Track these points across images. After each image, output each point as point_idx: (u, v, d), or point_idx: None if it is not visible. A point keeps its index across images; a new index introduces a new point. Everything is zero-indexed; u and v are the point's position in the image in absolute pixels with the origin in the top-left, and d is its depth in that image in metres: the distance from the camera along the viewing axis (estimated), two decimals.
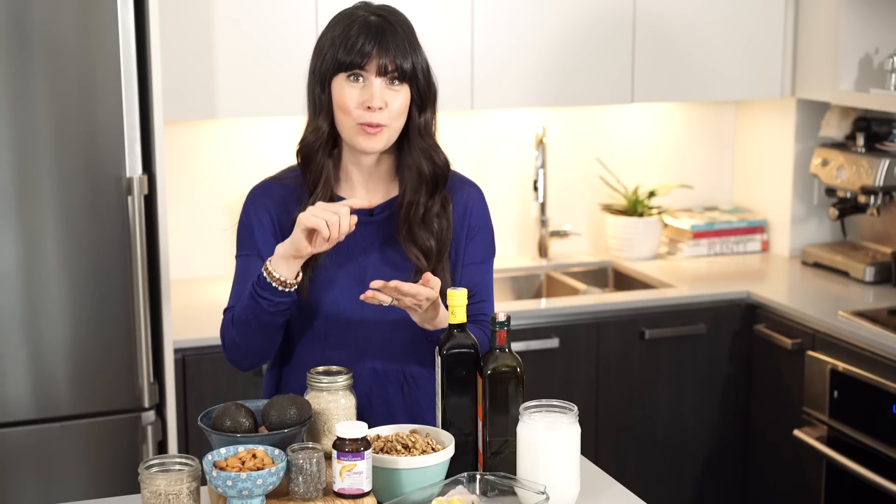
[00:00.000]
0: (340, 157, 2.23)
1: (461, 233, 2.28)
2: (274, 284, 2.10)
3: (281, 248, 2.10)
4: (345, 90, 2.15)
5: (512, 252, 4.04)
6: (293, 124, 3.70)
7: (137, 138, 2.93)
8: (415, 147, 2.21)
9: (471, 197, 2.30)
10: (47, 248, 2.89)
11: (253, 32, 3.36)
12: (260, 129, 3.71)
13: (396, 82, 2.15)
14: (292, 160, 2.28)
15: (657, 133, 4.18)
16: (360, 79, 2.15)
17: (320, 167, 2.21)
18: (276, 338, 2.21)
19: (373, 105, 2.12)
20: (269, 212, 2.24)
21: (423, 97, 2.20)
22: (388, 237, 2.24)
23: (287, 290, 2.11)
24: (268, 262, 2.11)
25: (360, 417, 2.15)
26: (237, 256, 2.28)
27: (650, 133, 4.17)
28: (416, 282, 2.09)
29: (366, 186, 2.25)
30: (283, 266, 2.09)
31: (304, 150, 2.23)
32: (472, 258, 2.29)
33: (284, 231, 2.22)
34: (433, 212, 2.23)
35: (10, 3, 2.78)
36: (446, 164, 2.24)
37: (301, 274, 2.13)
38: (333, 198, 2.21)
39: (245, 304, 2.16)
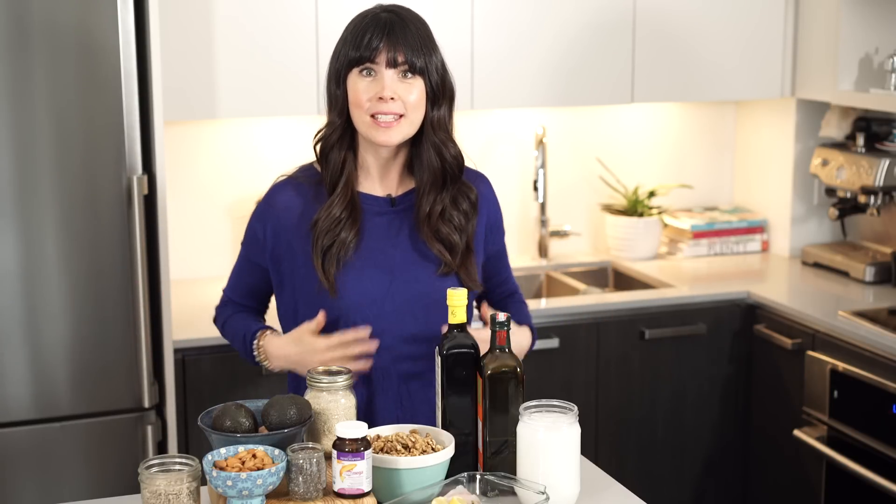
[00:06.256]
0: (357, 151, 2.26)
1: (482, 226, 2.35)
2: (258, 359, 2.31)
3: (285, 355, 2.26)
4: (357, 84, 2.19)
5: (512, 252, 3.98)
6: (294, 124, 3.71)
7: (137, 138, 2.93)
8: (426, 142, 2.25)
9: (485, 191, 2.38)
10: (47, 248, 2.89)
11: (253, 32, 3.36)
12: (261, 129, 3.71)
13: (409, 75, 2.19)
14: (293, 160, 2.30)
15: (657, 133, 4.18)
16: (372, 73, 2.19)
17: (339, 162, 2.24)
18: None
19: (384, 95, 2.16)
20: (275, 217, 2.27)
21: (437, 92, 2.22)
22: (412, 227, 2.28)
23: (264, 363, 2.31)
24: (265, 344, 2.28)
25: (377, 413, 2.16)
26: (242, 244, 2.36)
27: (650, 133, 4.17)
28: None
29: (384, 178, 2.29)
30: (276, 362, 2.28)
31: (321, 145, 2.27)
32: (497, 245, 2.41)
33: (283, 235, 2.24)
34: (451, 205, 2.27)
35: (11, 2, 2.78)
36: (458, 157, 2.29)
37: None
38: (354, 192, 2.24)
39: (233, 333, 2.36)
